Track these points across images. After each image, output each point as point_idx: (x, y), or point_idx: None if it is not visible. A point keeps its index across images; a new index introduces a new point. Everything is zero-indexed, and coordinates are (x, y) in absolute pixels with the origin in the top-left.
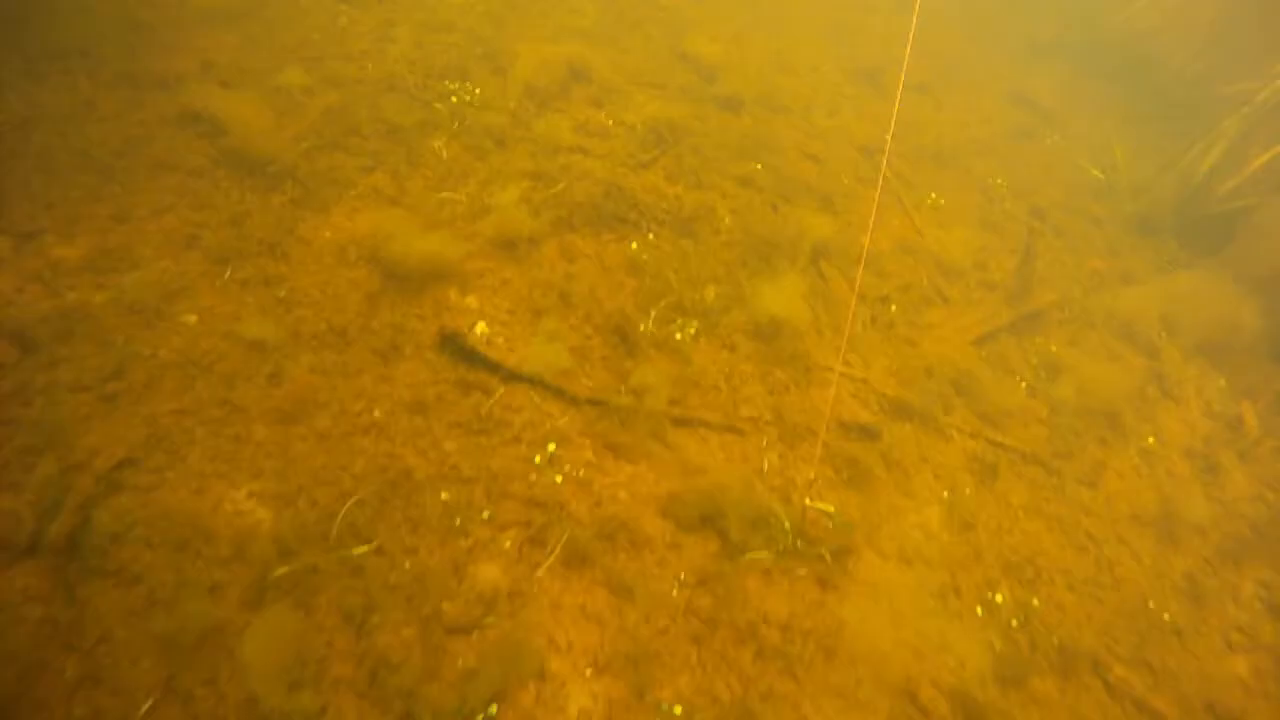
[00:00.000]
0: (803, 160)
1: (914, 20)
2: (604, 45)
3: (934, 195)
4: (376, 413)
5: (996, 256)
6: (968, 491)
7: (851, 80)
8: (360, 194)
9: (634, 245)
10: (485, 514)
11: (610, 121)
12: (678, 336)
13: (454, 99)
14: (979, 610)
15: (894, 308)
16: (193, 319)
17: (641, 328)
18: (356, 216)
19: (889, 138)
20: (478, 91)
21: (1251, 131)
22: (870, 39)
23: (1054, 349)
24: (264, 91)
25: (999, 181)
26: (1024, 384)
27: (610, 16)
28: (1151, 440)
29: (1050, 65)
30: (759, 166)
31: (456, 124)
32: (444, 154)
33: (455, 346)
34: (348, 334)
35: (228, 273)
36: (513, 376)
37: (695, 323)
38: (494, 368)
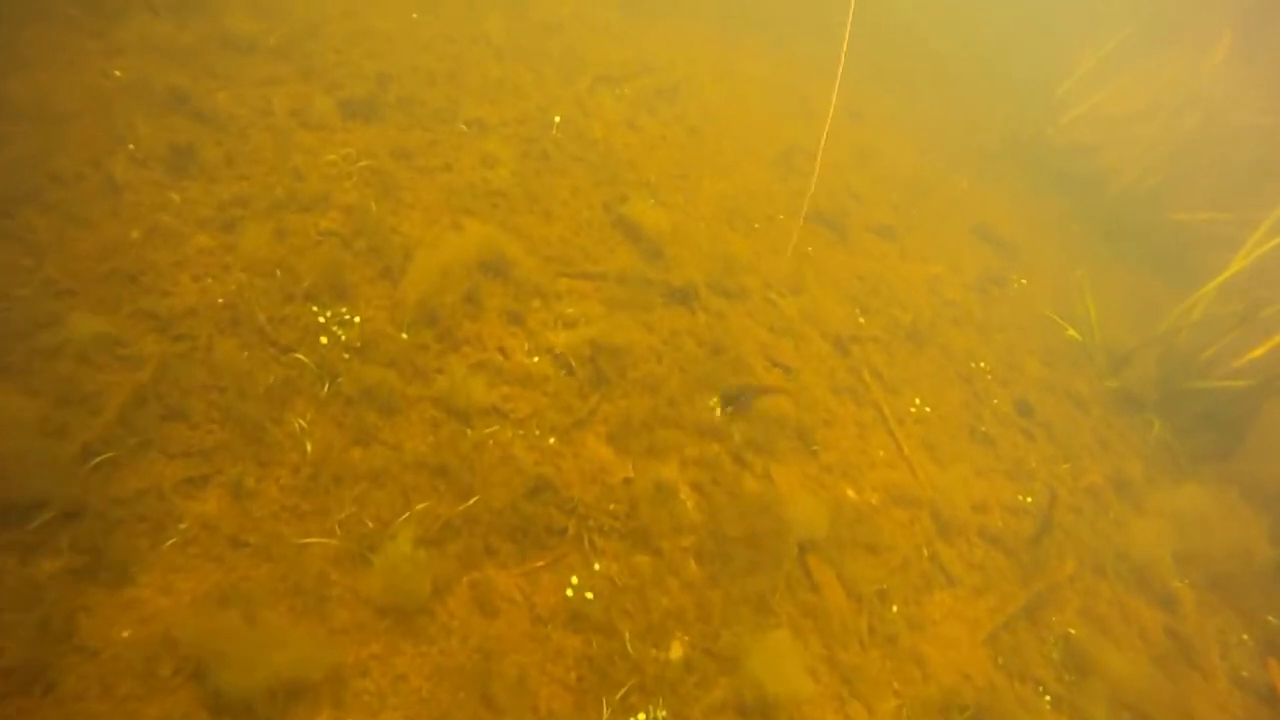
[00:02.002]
0: (771, 373)
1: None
2: (523, 211)
3: (918, 401)
4: None
5: (996, 489)
6: None
7: (811, 229)
8: (185, 538)
9: (574, 579)
10: None
11: (535, 356)
12: None
13: (324, 338)
14: None
15: (895, 608)
16: None
17: None
18: (177, 585)
19: (861, 318)
20: (357, 320)
21: (1227, 297)
22: (820, 164)
23: (1073, 631)
24: (31, 363)
25: (981, 365)
26: (1048, 697)
27: (531, 163)
28: None
29: (1003, 179)
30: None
31: (327, 385)
32: (308, 443)
33: None
34: None
35: None
36: None
37: (663, 712)
38: None
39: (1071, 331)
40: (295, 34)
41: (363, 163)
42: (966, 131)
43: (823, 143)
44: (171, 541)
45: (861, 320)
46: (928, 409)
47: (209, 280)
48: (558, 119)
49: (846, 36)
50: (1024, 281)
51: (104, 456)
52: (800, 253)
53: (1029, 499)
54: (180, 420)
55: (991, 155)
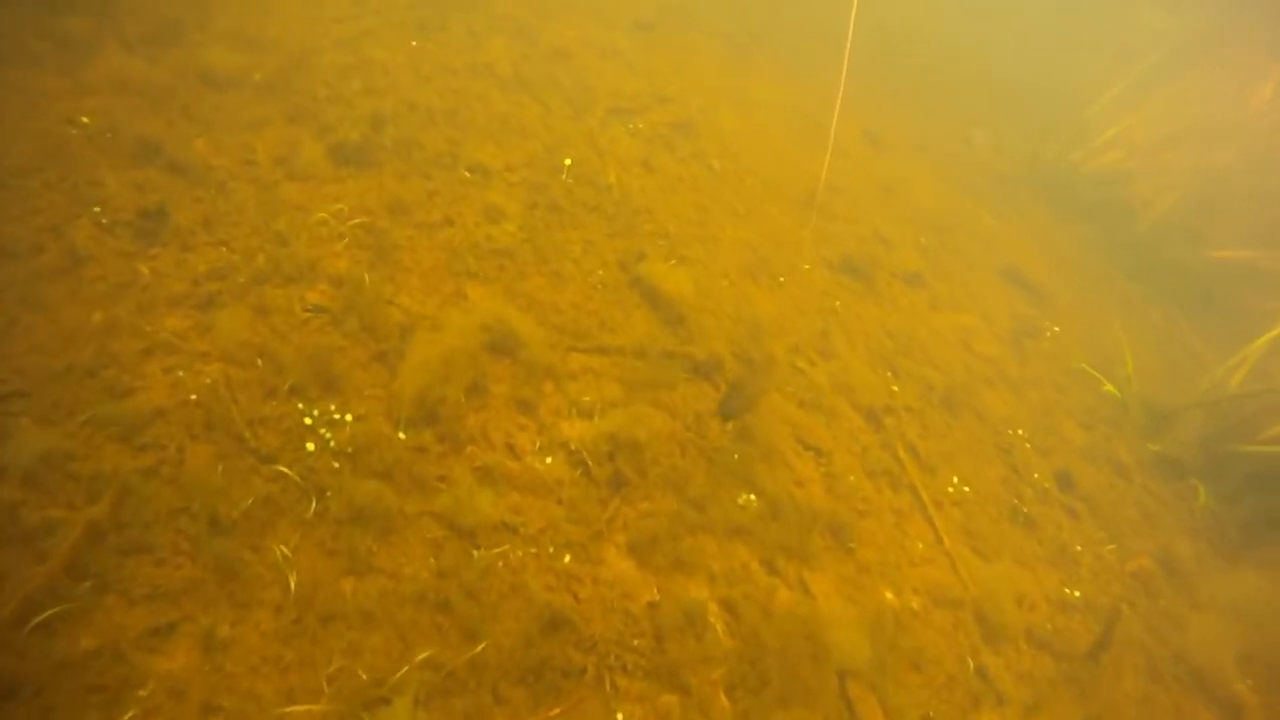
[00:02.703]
0: (801, 457)
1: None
2: (532, 273)
3: (955, 480)
4: None
5: (1041, 581)
6: None
7: (837, 279)
8: (147, 708)
9: None
10: None
11: (548, 456)
12: None
13: (310, 443)
14: None
15: None
16: None
17: None
18: None
19: (894, 385)
20: (348, 419)
21: (1275, 350)
22: (843, 201)
23: None
24: None
25: (1019, 433)
26: None
27: (540, 215)
28: None
29: (1028, 211)
30: (751, 498)
31: (314, 503)
32: (292, 576)
33: None
34: None
35: None
36: None
37: None
38: None
39: (1109, 387)
40: (283, 67)
41: (355, 220)
42: (989, 155)
43: (825, 174)
44: (130, 716)
45: (895, 388)
46: (966, 488)
47: (180, 373)
48: (568, 162)
49: (846, 58)
50: (1056, 329)
51: (50, 612)
52: (827, 308)
53: (1077, 593)
54: (144, 555)
55: (1016, 183)
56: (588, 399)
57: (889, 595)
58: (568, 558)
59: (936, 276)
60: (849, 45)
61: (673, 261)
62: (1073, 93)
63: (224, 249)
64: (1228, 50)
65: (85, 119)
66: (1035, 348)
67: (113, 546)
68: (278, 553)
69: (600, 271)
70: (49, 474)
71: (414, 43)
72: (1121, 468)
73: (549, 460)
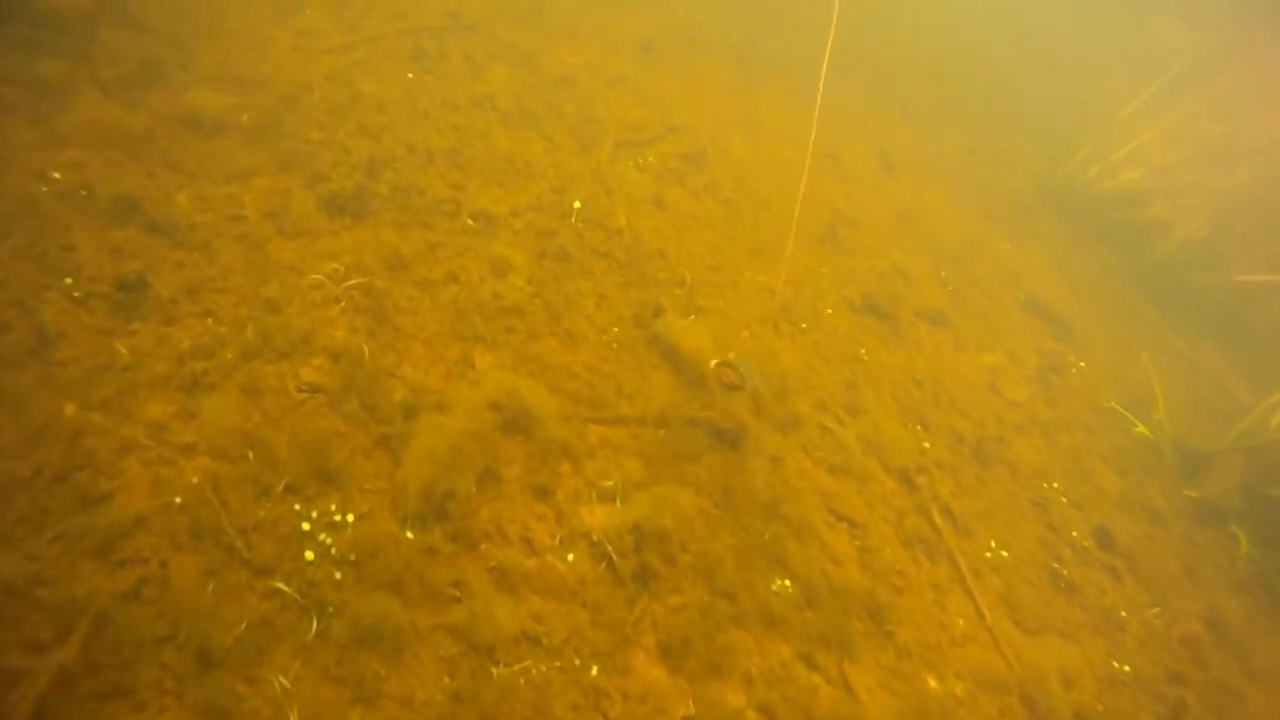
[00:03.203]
0: (835, 530)
1: None
2: (544, 333)
3: (993, 544)
4: None
5: (1087, 653)
6: None
7: (860, 322)
8: None
9: None
10: None
11: (569, 552)
12: None
13: (310, 551)
14: None
15: None
16: None
17: None
18: None
19: (925, 442)
20: (350, 519)
21: None
22: (861, 232)
23: None
24: None
25: (1054, 485)
26: None
27: (549, 266)
28: None
29: (1045, 234)
30: (786, 583)
31: (315, 623)
32: (292, 713)
33: None
34: None
35: None
36: None
37: None
38: None
39: (1140, 428)
40: (272, 108)
41: (352, 281)
42: (1003, 174)
43: (796, 199)
44: None
45: (926, 444)
46: (1004, 553)
47: (163, 469)
48: (577, 204)
49: (822, 77)
50: (1082, 364)
51: None
52: (852, 356)
53: (1126, 667)
54: (123, 700)
55: (1031, 204)
56: (608, 482)
57: (932, 682)
58: (595, 669)
59: (959, 312)
60: (824, 73)
61: (691, 316)
62: (1087, 109)
63: (210, 320)
64: (1246, 66)
65: (57, 174)
66: (1063, 386)
67: (87, 692)
68: (276, 685)
69: (615, 328)
70: (12, 606)
71: (410, 74)
72: (1159, 517)
73: (570, 557)
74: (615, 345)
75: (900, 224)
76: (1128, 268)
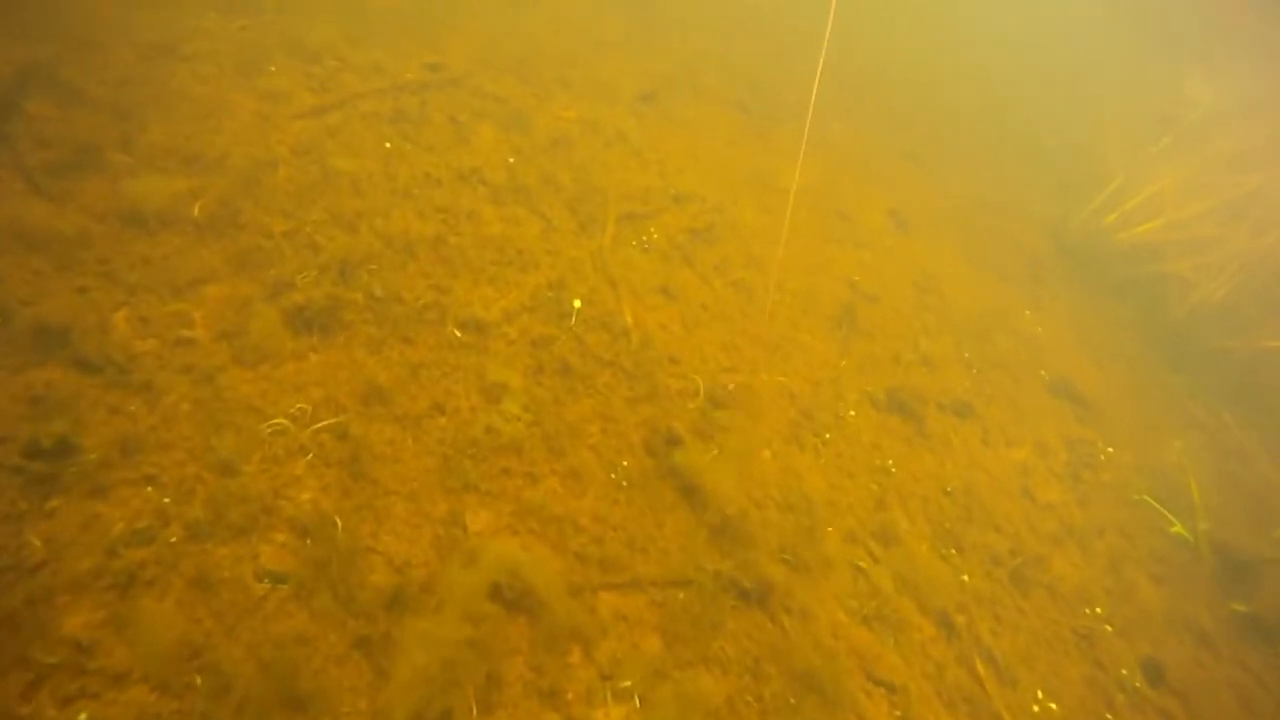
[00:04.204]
0: (872, 697)
1: None
2: (544, 473)
3: (1040, 695)
4: None
5: None
6: None
7: (885, 423)
8: None
9: None
10: None
11: None
12: None
13: None
14: None
15: None
16: None
17: None
18: None
19: (964, 576)
20: None
21: None
22: (878, 311)
23: None
24: None
25: (1096, 611)
26: None
27: (547, 383)
28: None
29: (1061, 296)
30: None
31: None
32: None
33: None
34: None
35: None
36: None
37: None
38: None
39: (1177, 527)
40: (229, 194)
41: (322, 423)
42: (1015, 226)
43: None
44: None
45: (965, 577)
46: (1052, 705)
47: (83, 717)
48: (577, 304)
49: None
50: (1110, 449)
51: None
52: (880, 468)
53: None
54: None
55: (1046, 260)
56: (627, 683)
57: None
58: None
59: (985, 400)
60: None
61: (712, 451)
62: (1099, 153)
63: (150, 489)
64: (1267, 115)
65: None
66: (1093, 480)
67: None
68: None
69: (625, 461)
70: None
71: (388, 143)
72: (1206, 639)
73: None
74: (625, 484)
75: (918, 295)
76: (1145, 327)
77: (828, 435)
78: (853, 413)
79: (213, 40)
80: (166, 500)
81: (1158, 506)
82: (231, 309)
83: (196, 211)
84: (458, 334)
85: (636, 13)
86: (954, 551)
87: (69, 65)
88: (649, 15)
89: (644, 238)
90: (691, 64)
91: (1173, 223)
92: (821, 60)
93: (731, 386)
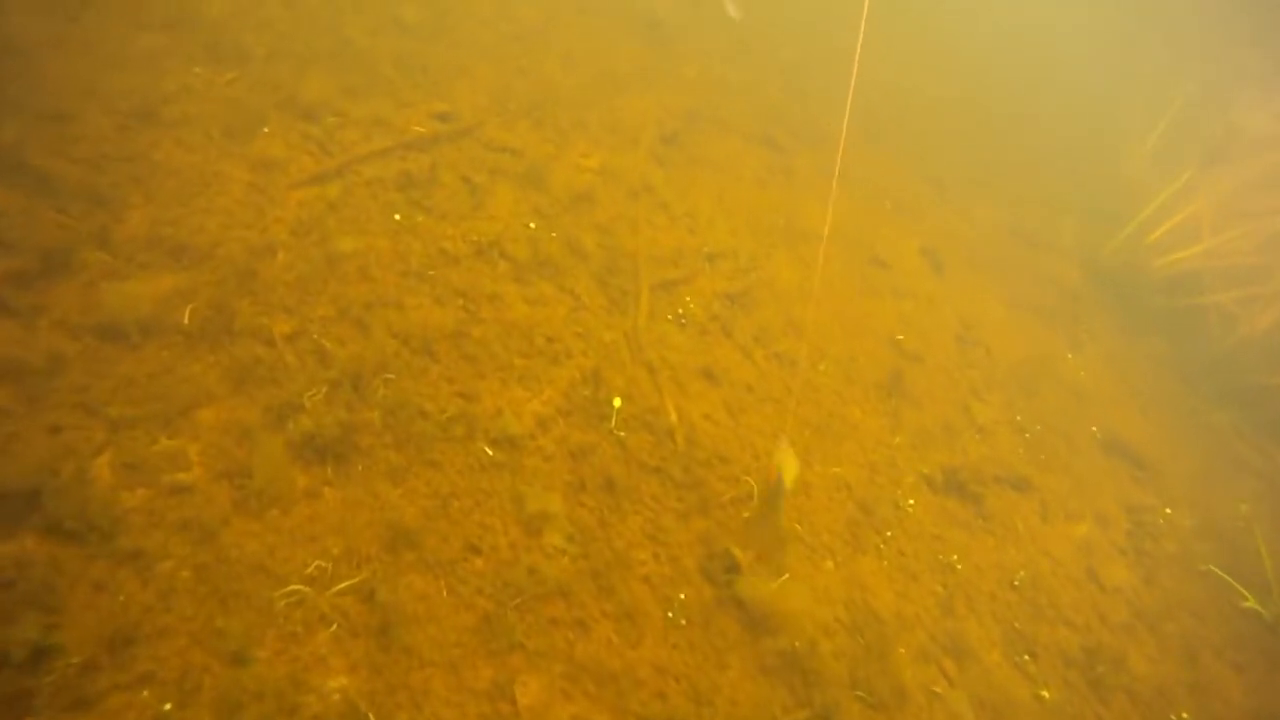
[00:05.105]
0: None
1: None
2: (596, 621)
3: None
4: None
5: None
6: None
7: (944, 508)
8: None
9: None
10: None
11: None
12: None
13: None
14: None
15: None
16: None
17: None
18: None
19: (1044, 691)
20: None
21: None
22: (924, 372)
23: None
24: None
25: (1183, 717)
26: None
27: (592, 508)
28: None
29: (1098, 328)
30: None
31: None
32: None
33: None
34: None
35: None
36: None
37: None
38: None
39: (1250, 601)
40: (222, 292)
41: (343, 584)
42: (1049, 258)
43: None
44: None
45: (1044, 693)
46: None
47: None
48: (617, 402)
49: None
50: (1168, 510)
51: None
52: (945, 565)
53: None
54: None
55: (1083, 294)
56: None
57: None
58: None
59: (1040, 468)
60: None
61: (783, 576)
62: (1131, 175)
63: (146, 693)
64: None
65: None
66: (1157, 552)
67: None
68: None
69: (681, 594)
70: None
71: (397, 215)
72: None
73: None
74: (684, 622)
75: (961, 349)
76: (1185, 362)
77: (889, 533)
78: (911, 501)
79: (199, 100)
80: (168, 707)
81: (1226, 578)
82: (231, 440)
83: (186, 318)
84: (489, 452)
85: (650, 41)
86: (1028, 658)
87: (36, 145)
88: (663, 43)
89: (679, 310)
90: (712, 96)
91: (1211, 250)
92: (851, 88)
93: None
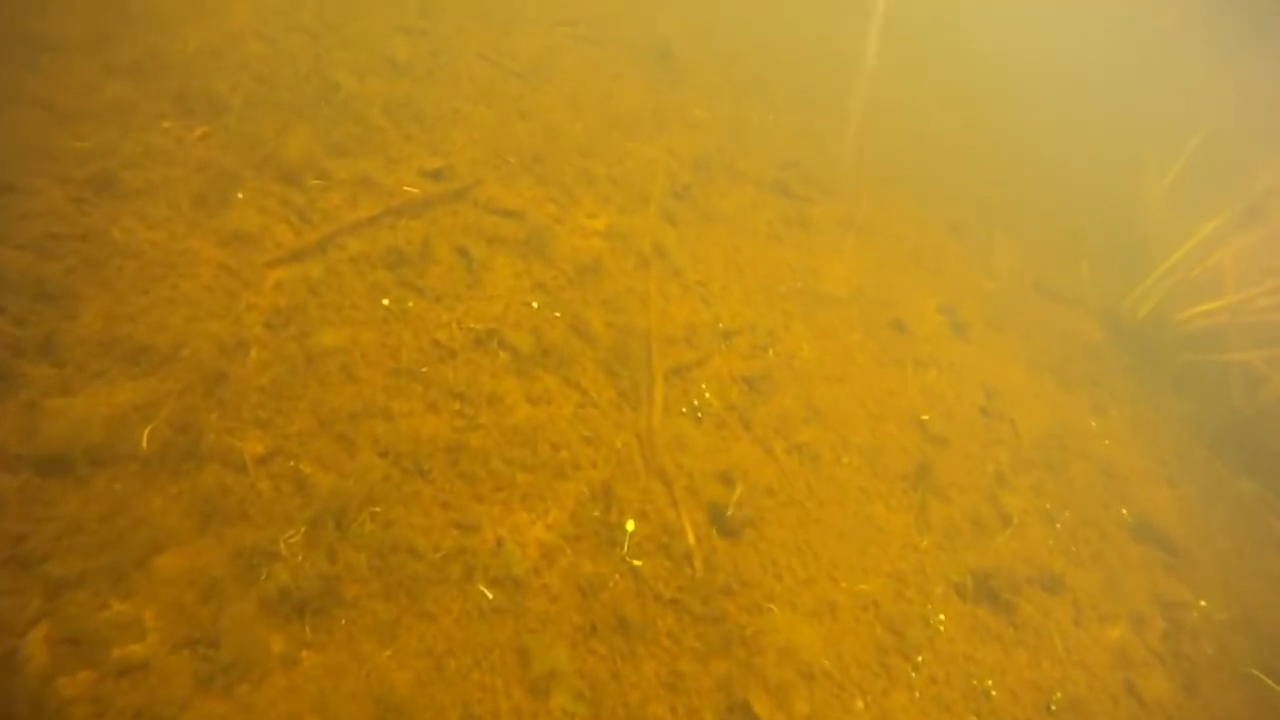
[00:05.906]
0: None
1: None
2: None
3: None
4: None
5: None
6: None
7: (976, 620)
8: None
9: None
10: None
11: None
12: None
13: None
14: None
15: None
16: None
17: None
18: None
19: None
20: None
21: None
22: (949, 457)
23: None
24: None
25: None
26: None
27: (603, 659)
28: None
29: (1120, 393)
30: None
31: None
32: None
33: None
34: None
35: None
36: None
37: None
38: None
39: None
40: (185, 403)
41: None
42: (1069, 314)
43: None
44: None
45: None
46: None
47: None
48: (630, 526)
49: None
50: (1203, 603)
51: None
52: (978, 690)
53: None
54: None
55: (1100, 350)
56: None
57: None
58: None
59: (1072, 562)
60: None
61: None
62: (1150, 223)
63: None
64: None
65: None
66: (1196, 654)
67: None
68: None
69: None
70: None
71: (385, 300)
72: None
73: None
74: None
75: (986, 423)
76: (1209, 425)
77: (919, 657)
78: (942, 616)
79: (166, 163)
80: None
81: (1269, 683)
82: (195, 597)
83: (145, 441)
84: (489, 595)
85: (658, 76)
86: None
87: None
88: (671, 77)
89: (694, 400)
90: (723, 139)
91: (1234, 305)
92: (862, 126)
93: (811, 604)
